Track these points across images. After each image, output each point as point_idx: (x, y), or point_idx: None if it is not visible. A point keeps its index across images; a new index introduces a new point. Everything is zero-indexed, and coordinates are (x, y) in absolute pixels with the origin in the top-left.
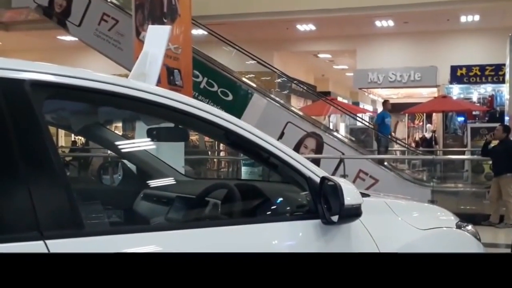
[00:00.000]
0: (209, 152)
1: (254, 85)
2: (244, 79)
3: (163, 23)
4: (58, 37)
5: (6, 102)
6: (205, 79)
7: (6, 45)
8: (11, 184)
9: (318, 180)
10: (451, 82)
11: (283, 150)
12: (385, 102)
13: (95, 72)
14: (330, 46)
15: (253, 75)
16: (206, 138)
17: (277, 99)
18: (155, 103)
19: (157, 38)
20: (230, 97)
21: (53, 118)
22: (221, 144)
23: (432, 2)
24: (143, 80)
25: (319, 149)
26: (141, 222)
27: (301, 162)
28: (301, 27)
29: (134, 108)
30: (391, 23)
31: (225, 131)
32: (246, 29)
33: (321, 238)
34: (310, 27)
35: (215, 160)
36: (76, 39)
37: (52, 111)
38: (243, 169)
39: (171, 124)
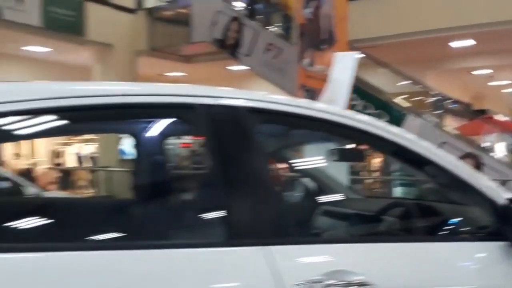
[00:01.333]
0: (364, 173)
1: (408, 105)
2: (398, 100)
3: (320, 50)
4: (227, 67)
5: (234, 126)
6: (362, 101)
7: (189, 75)
8: (238, 198)
9: (501, 201)
10: None
11: (464, 170)
12: None
13: (295, 99)
14: (488, 61)
15: (407, 96)
16: None
17: (431, 119)
18: (347, 126)
19: (343, 65)
20: (386, 118)
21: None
22: (374, 165)
23: None
24: (332, 104)
25: (477, 170)
26: (328, 235)
27: (483, 182)
28: (457, 44)
29: (325, 130)
30: None
31: (412, 153)
32: (398, 49)
33: (506, 261)
34: (469, 42)
35: (370, 180)
36: (241, 68)
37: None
38: (398, 189)
39: (352, 145)
